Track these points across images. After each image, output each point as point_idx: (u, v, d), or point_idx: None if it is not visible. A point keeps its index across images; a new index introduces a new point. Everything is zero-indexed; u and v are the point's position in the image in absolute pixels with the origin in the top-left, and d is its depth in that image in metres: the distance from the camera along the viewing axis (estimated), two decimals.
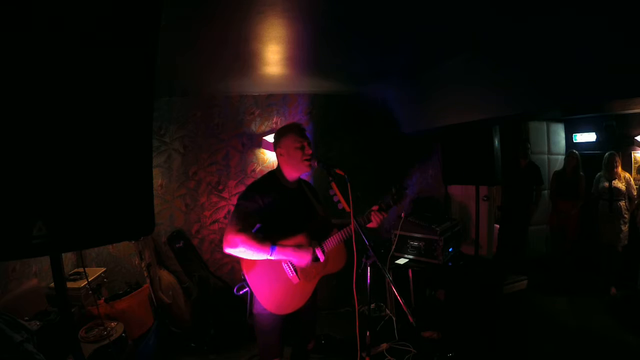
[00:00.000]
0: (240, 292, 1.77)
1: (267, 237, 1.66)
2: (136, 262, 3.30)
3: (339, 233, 1.81)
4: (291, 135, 1.79)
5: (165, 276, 3.25)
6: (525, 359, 2.70)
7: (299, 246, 1.72)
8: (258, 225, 1.72)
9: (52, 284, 2.52)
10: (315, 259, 1.78)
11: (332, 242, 1.81)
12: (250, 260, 1.67)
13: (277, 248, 1.64)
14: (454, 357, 2.62)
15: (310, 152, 1.78)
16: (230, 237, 1.60)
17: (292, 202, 1.83)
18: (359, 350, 1.70)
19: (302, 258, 1.70)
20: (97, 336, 2.16)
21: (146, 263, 3.08)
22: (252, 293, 1.72)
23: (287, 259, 1.70)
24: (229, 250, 1.62)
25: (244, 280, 1.72)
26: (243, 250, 1.60)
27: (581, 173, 3.97)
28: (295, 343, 2.04)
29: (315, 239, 1.80)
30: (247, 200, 1.71)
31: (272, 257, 1.64)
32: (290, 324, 1.87)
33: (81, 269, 2.93)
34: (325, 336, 2.95)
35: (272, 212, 1.73)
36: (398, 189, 1.87)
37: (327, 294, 3.30)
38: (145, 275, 3.07)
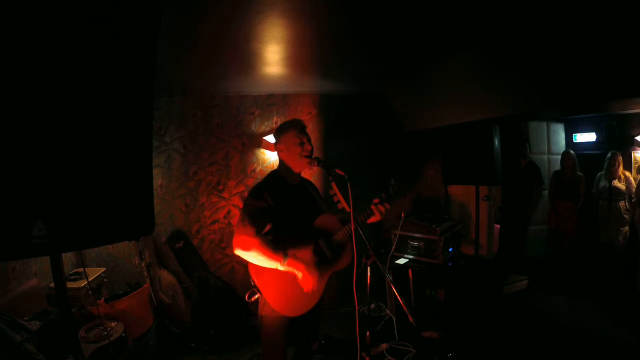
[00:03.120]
0: (252, 299, 1.73)
1: (279, 244, 1.64)
2: (136, 262, 3.30)
3: (343, 229, 1.82)
4: (291, 131, 1.79)
5: (165, 276, 3.25)
6: (525, 359, 2.70)
7: (308, 265, 1.69)
8: (268, 226, 1.70)
9: (52, 284, 2.52)
10: (322, 255, 1.78)
11: (337, 238, 1.82)
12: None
13: (289, 260, 1.62)
14: (454, 357, 2.62)
15: (309, 148, 1.77)
16: (245, 238, 1.57)
17: (298, 199, 1.83)
18: (359, 350, 1.70)
19: (307, 280, 1.67)
20: (97, 336, 2.16)
21: (146, 263, 3.08)
22: (262, 297, 1.70)
23: (295, 272, 1.66)
24: (239, 252, 1.58)
25: (254, 285, 1.69)
26: (254, 255, 1.58)
27: (580, 173, 3.97)
28: (299, 343, 2.04)
29: (322, 237, 1.80)
30: (256, 200, 1.69)
31: (281, 268, 1.62)
32: (295, 325, 1.86)
33: (81, 269, 2.93)
34: (325, 336, 2.95)
35: (280, 209, 1.72)
36: (397, 181, 1.89)
37: (327, 294, 3.29)
38: (145, 275, 3.07)
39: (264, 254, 1.58)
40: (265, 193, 1.71)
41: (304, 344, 2.04)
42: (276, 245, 1.62)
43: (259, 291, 1.68)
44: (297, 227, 1.75)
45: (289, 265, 1.62)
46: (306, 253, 1.74)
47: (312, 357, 2.09)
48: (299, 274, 1.66)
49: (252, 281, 1.68)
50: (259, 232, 1.60)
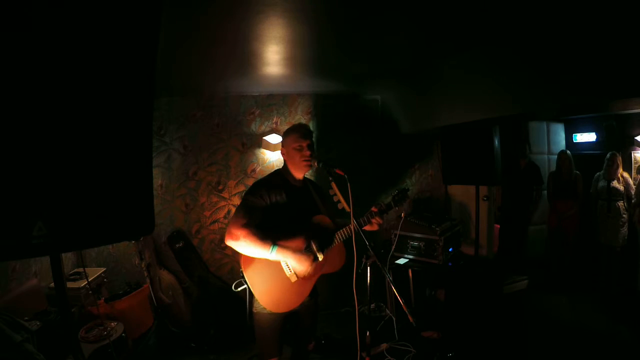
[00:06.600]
0: (239, 289, 1.78)
1: (268, 235, 1.66)
2: (136, 262, 3.30)
3: (337, 233, 1.81)
4: (293, 135, 1.82)
5: (165, 276, 3.25)
6: (525, 358, 2.70)
7: (298, 251, 1.71)
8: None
9: (52, 284, 2.52)
10: (314, 257, 1.78)
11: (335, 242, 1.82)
12: (250, 257, 1.68)
13: (277, 248, 1.64)
14: (454, 357, 2.62)
15: (308, 153, 1.79)
16: (234, 229, 1.61)
17: (297, 200, 1.84)
18: (359, 350, 1.70)
19: (301, 264, 1.70)
20: (97, 336, 2.16)
21: (146, 263, 3.08)
22: (250, 291, 1.73)
23: (285, 260, 1.70)
24: (229, 243, 1.63)
25: (243, 277, 1.72)
26: (244, 245, 1.61)
27: (577, 172, 3.97)
28: (295, 343, 2.04)
29: (316, 239, 1.80)
30: (254, 196, 1.73)
31: (271, 257, 1.64)
32: (291, 324, 1.87)
33: (81, 269, 2.93)
34: (325, 336, 2.95)
35: (277, 209, 1.74)
36: (400, 191, 1.89)
37: (327, 294, 3.29)
38: (145, 275, 3.07)
39: (252, 242, 1.60)
40: (263, 190, 1.74)
41: (299, 344, 2.05)
42: (266, 235, 1.64)
43: (246, 282, 1.70)
44: (291, 227, 1.76)
45: (278, 252, 1.64)
46: (297, 243, 1.75)
47: (308, 356, 2.09)
48: (290, 260, 1.68)
49: (241, 272, 1.72)
50: (248, 224, 1.62)
